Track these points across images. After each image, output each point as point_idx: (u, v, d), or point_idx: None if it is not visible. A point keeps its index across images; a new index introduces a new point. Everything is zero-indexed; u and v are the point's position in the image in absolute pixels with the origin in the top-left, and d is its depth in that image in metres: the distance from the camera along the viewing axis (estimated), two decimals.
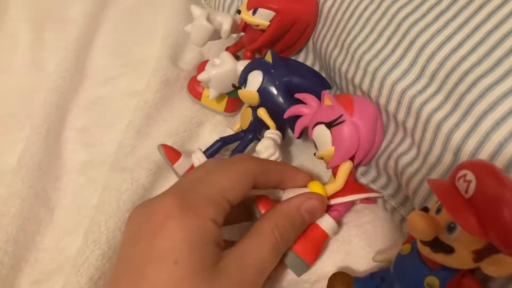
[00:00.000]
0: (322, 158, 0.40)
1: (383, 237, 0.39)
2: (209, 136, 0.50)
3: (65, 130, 0.54)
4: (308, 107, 0.40)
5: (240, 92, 0.44)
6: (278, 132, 0.43)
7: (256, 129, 0.44)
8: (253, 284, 0.30)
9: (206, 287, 0.27)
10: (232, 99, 0.50)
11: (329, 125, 0.38)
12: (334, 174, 0.39)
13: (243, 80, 0.44)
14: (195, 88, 0.52)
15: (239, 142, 0.44)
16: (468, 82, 0.33)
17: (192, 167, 0.43)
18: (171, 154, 0.43)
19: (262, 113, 0.43)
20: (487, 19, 0.34)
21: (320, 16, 0.45)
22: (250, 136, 0.44)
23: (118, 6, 0.70)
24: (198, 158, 0.42)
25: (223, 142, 0.44)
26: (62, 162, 0.51)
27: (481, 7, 0.34)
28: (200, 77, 0.46)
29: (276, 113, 0.43)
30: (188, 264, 0.27)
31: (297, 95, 0.40)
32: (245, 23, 0.47)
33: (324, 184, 0.38)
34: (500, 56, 0.32)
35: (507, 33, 0.32)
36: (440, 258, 0.28)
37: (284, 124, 0.44)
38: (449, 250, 0.27)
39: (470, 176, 0.26)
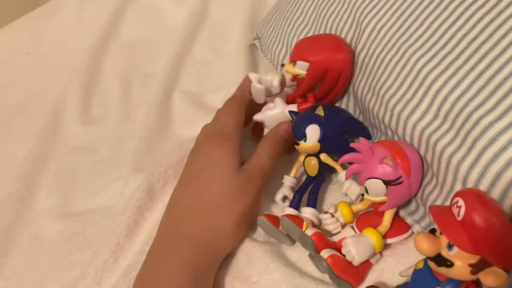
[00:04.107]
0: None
1: (414, 256, 0.43)
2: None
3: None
4: (362, 157, 0.42)
5: (301, 146, 0.50)
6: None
7: (322, 173, 0.51)
8: (258, 177, 0.49)
9: (238, 177, 0.48)
10: None
11: (387, 183, 0.42)
12: (375, 207, 0.45)
13: (301, 135, 0.50)
14: (257, 129, 0.60)
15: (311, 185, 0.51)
16: (473, 121, 0.38)
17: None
18: (275, 221, 0.48)
19: (326, 158, 0.50)
20: (489, 66, 0.39)
21: (357, 65, 0.52)
22: (320, 180, 0.51)
23: (194, 61, 0.81)
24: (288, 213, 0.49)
25: (301, 192, 0.51)
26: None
27: (484, 55, 0.40)
28: (255, 117, 0.55)
29: (333, 154, 0.51)
30: (227, 166, 0.48)
31: (352, 145, 0.43)
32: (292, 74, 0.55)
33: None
34: (500, 98, 0.38)
35: (506, 77, 0.38)
36: (443, 271, 0.33)
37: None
38: (449, 264, 0.33)
39: (461, 202, 0.32)
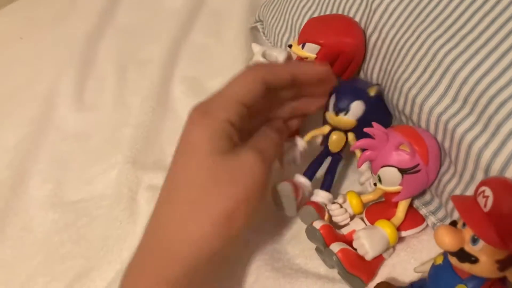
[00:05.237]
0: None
1: (428, 250, 0.41)
2: None
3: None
4: (376, 143, 0.40)
5: (340, 118, 0.45)
6: None
7: (342, 152, 0.48)
8: (261, 162, 0.38)
9: (221, 163, 0.37)
10: None
11: (403, 171, 0.39)
12: (387, 198, 0.43)
13: (345, 107, 0.45)
14: None
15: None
16: (496, 104, 0.35)
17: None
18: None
19: (352, 139, 0.46)
20: None
21: (368, 48, 0.49)
22: (338, 158, 0.48)
23: (192, 45, 0.77)
24: (302, 182, 0.46)
25: (316, 165, 0.47)
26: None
27: (508, 35, 0.37)
28: None
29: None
30: (207, 149, 0.37)
31: (366, 129, 0.40)
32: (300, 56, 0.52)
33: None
34: None
35: None
36: (466, 267, 0.31)
37: None
38: (474, 260, 0.30)
39: (488, 192, 0.29)
